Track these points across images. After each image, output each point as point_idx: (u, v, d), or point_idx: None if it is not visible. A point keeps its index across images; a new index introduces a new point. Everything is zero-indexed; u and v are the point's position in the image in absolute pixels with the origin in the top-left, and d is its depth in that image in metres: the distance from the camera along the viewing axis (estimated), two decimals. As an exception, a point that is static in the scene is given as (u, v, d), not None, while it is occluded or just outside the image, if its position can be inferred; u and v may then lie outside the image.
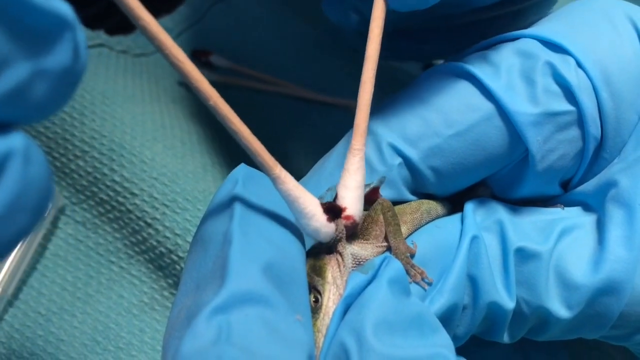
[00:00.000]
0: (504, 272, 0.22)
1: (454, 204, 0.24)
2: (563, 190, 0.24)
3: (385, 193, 0.23)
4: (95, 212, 0.33)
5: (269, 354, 0.16)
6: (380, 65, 0.21)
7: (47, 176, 0.14)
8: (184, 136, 0.35)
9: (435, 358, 0.18)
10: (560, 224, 0.22)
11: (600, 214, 0.22)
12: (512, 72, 0.22)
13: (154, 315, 0.31)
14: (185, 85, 0.39)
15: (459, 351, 0.20)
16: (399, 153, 0.23)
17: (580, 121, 0.22)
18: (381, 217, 0.21)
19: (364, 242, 0.21)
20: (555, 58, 0.22)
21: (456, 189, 0.24)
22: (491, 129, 0.22)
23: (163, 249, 0.32)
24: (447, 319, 0.21)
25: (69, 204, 0.33)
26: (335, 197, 0.21)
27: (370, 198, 0.22)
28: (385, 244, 0.21)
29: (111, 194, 0.33)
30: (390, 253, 0.21)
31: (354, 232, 0.21)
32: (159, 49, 0.17)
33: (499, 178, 0.24)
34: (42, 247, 0.33)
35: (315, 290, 0.20)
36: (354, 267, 0.21)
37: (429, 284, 0.21)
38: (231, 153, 0.36)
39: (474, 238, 0.22)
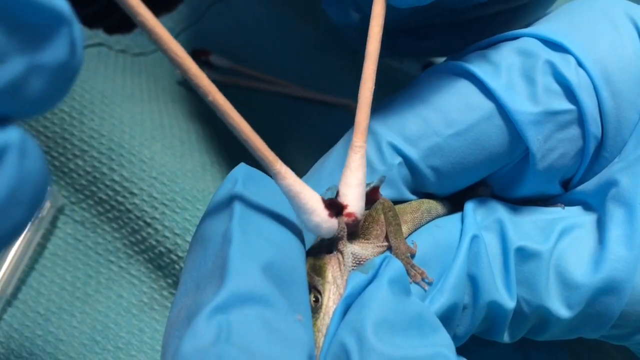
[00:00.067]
0: (504, 272, 0.22)
1: (454, 203, 0.24)
2: (563, 189, 0.24)
3: (385, 192, 0.23)
4: (94, 211, 0.33)
5: (269, 353, 0.16)
6: (380, 65, 0.21)
7: (43, 170, 0.14)
8: (183, 135, 0.35)
9: (435, 358, 0.18)
10: (561, 224, 0.22)
11: (601, 214, 0.22)
12: (512, 71, 0.22)
13: (154, 314, 0.31)
14: (185, 84, 0.39)
15: (459, 351, 0.20)
16: (399, 152, 0.23)
17: (581, 120, 0.22)
18: (382, 216, 0.21)
19: (365, 241, 0.21)
20: (556, 57, 0.22)
21: (456, 189, 0.24)
22: (491, 128, 0.22)
23: (162, 249, 0.32)
24: (447, 318, 0.21)
25: (68, 204, 0.33)
26: (336, 196, 0.20)
27: (371, 197, 0.22)
28: (386, 243, 0.21)
29: (110, 193, 0.33)
30: (391, 253, 0.21)
31: (354, 232, 0.21)
32: (158, 44, 0.17)
33: (499, 177, 0.24)
34: (41, 247, 0.33)
35: (315, 289, 0.20)
36: (354, 266, 0.21)
37: (429, 284, 0.21)
38: (230, 152, 0.36)
39: (474, 237, 0.22)
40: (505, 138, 0.22)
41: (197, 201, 0.32)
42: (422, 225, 0.23)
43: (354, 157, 0.21)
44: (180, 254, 0.31)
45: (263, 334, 0.16)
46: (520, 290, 0.22)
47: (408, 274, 0.21)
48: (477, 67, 0.22)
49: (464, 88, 0.22)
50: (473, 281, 0.21)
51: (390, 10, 0.21)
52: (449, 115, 0.22)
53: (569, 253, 0.22)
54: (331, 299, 0.20)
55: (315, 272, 0.20)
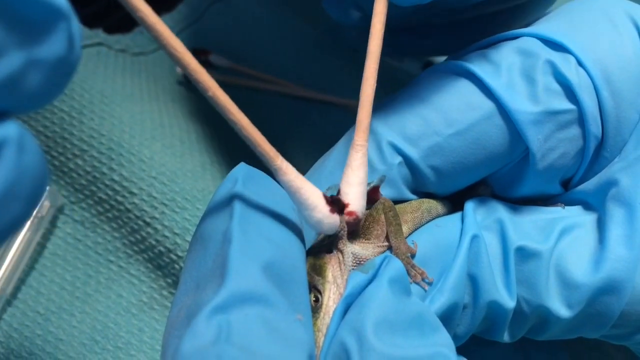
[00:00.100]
0: (504, 271, 0.22)
1: (454, 203, 0.24)
2: (563, 189, 0.24)
3: (385, 192, 0.23)
4: (94, 211, 0.33)
5: (269, 353, 0.15)
6: (380, 64, 0.21)
7: (41, 165, 0.14)
8: (183, 135, 0.35)
9: (435, 357, 0.18)
10: (561, 223, 0.22)
11: (601, 213, 0.22)
12: (512, 70, 0.22)
13: (153, 314, 0.31)
14: (184, 84, 0.39)
15: (459, 350, 0.20)
16: (399, 152, 0.22)
17: (581, 120, 0.22)
18: (383, 216, 0.21)
19: (365, 241, 0.21)
20: (556, 56, 0.22)
21: (456, 188, 0.24)
22: (491, 127, 0.22)
23: (162, 248, 0.32)
24: (447, 318, 0.21)
25: (68, 203, 0.33)
26: (337, 195, 0.20)
27: (371, 197, 0.22)
28: (386, 243, 0.21)
29: (110, 193, 0.33)
30: (391, 253, 0.21)
31: (355, 231, 0.21)
32: (158, 40, 0.16)
33: (499, 177, 0.24)
34: (41, 247, 0.33)
35: (315, 289, 0.20)
36: (354, 266, 0.21)
37: (429, 284, 0.21)
38: (230, 152, 0.36)
39: (474, 237, 0.21)
40: (506, 138, 0.22)
41: (197, 201, 0.32)
42: (423, 225, 0.23)
43: (355, 156, 0.21)
44: (180, 253, 0.31)
45: (263, 333, 0.16)
46: (520, 290, 0.22)
47: (408, 274, 0.21)
48: (478, 67, 0.22)
49: (464, 88, 0.22)
50: (473, 281, 0.21)
51: (391, 9, 0.21)
52: (449, 115, 0.22)
53: (569, 253, 0.22)
54: (331, 299, 0.20)
55: (316, 272, 0.20)
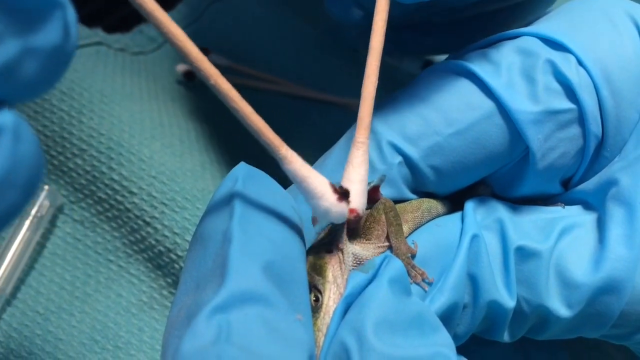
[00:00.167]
0: (504, 271, 0.22)
1: (454, 202, 0.24)
2: (563, 188, 0.24)
3: (385, 192, 0.23)
4: (94, 210, 0.33)
5: (269, 353, 0.15)
6: (380, 64, 0.21)
7: (37, 154, 0.14)
8: (183, 134, 0.35)
9: (436, 357, 0.18)
10: (561, 223, 0.22)
11: (601, 213, 0.22)
12: (512, 70, 0.22)
13: (153, 314, 0.31)
14: (184, 83, 0.39)
15: (459, 350, 0.20)
16: (399, 152, 0.22)
17: (581, 119, 0.22)
18: (383, 216, 0.21)
19: (366, 242, 0.21)
20: (556, 56, 0.22)
21: (456, 188, 0.24)
22: (491, 127, 0.22)
23: (162, 248, 0.32)
24: (447, 317, 0.21)
25: (67, 203, 0.33)
26: None
27: (371, 197, 0.21)
28: (387, 244, 0.21)
29: (109, 192, 0.33)
30: (392, 253, 0.21)
31: (355, 231, 0.21)
32: (158, 28, 0.16)
33: (499, 176, 0.24)
34: (41, 246, 0.33)
35: (315, 289, 0.20)
36: (355, 266, 0.21)
37: (430, 285, 0.21)
38: (230, 151, 0.36)
39: (474, 237, 0.21)
40: (506, 137, 0.22)
41: (196, 200, 0.32)
42: (423, 225, 0.23)
43: (356, 153, 0.20)
44: (179, 253, 0.31)
45: (263, 333, 0.16)
46: (520, 289, 0.22)
47: (408, 274, 0.21)
48: (478, 66, 0.22)
49: (465, 87, 0.22)
50: (473, 280, 0.21)
51: (393, 6, 0.21)
52: (449, 115, 0.22)
53: (569, 252, 0.22)
54: (331, 299, 0.20)
55: (316, 272, 0.20)
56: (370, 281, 0.20)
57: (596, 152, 0.23)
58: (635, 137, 0.22)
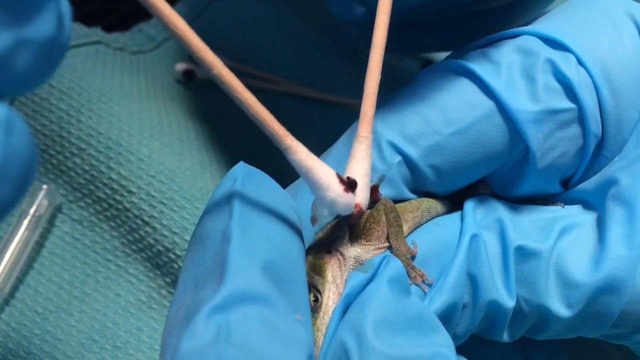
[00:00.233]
0: (503, 271, 0.22)
1: (453, 202, 0.24)
2: (563, 188, 0.24)
3: (384, 191, 0.22)
4: (92, 210, 0.33)
5: (268, 353, 0.15)
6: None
7: (30, 147, 0.14)
8: (182, 133, 0.35)
9: (435, 357, 0.18)
10: (561, 223, 0.22)
11: (601, 212, 0.22)
12: (512, 69, 0.22)
13: (152, 313, 0.31)
14: (183, 82, 0.39)
15: (458, 350, 0.20)
16: (399, 151, 0.22)
17: (581, 119, 0.22)
18: (384, 217, 0.21)
19: (366, 243, 0.21)
20: (556, 55, 0.22)
21: (456, 187, 0.24)
22: (491, 126, 0.22)
23: (160, 247, 0.32)
24: (447, 317, 0.21)
25: (66, 202, 0.33)
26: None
27: (371, 197, 0.21)
28: (387, 244, 0.21)
29: (108, 192, 0.32)
30: (391, 253, 0.21)
31: (355, 232, 0.21)
32: (159, 18, 0.16)
33: (499, 176, 0.24)
34: (39, 246, 0.33)
35: (315, 289, 0.20)
36: (354, 266, 0.21)
37: (429, 286, 0.21)
38: (230, 150, 0.36)
39: (474, 236, 0.21)
40: (506, 137, 0.22)
41: (195, 200, 0.32)
42: (422, 224, 0.23)
43: (359, 148, 0.20)
44: (178, 252, 0.31)
45: (262, 333, 0.16)
46: (519, 289, 0.22)
47: (408, 275, 0.20)
48: (477, 66, 0.22)
49: (464, 86, 0.22)
50: (472, 280, 0.21)
51: (395, 3, 0.21)
52: (449, 114, 0.22)
53: (568, 252, 0.22)
54: (331, 299, 0.20)
55: (315, 272, 0.20)
56: (369, 281, 0.20)
57: (596, 152, 0.23)
58: (635, 137, 0.22)
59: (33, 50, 0.14)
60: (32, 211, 0.32)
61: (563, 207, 0.23)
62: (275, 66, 0.40)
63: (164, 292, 0.32)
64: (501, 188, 0.24)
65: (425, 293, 0.21)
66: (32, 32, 0.14)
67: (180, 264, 0.31)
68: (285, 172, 0.22)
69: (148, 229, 0.32)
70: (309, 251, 0.21)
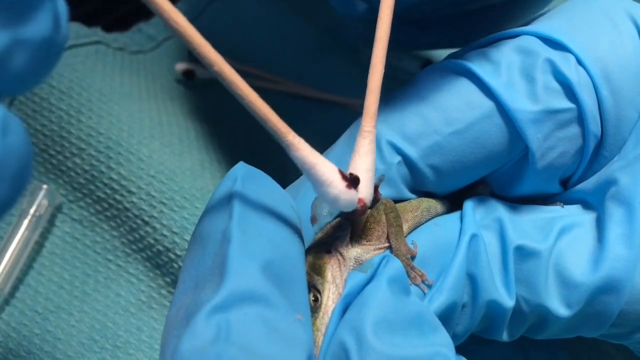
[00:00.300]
0: (503, 271, 0.22)
1: (453, 202, 0.24)
2: (563, 188, 0.24)
3: (384, 191, 0.22)
4: (92, 210, 0.33)
5: (268, 353, 0.15)
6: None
7: (26, 147, 0.14)
8: (182, 133, 0.35)
9: (435, 357, 0.18)
10: (560, 222, 0.22)
11: (600, 212, 0.22)
12: (512, 69, 0.22)
13: (152, 313, 0.31)
14: (183, 82, 0.39)
15: (458, 350, 0.20)
16: (398, 151, 0.22)
17: (581, 119, 0.22)
18: (384, 217, 0.21)
19: (366, 243, 0.21)
20: (555, 55, 0.22)
21: (456, 187, 0.24)
22: (491, 126, 0.22)
23: (160, 247, 0.32)
24: (446, 317, 0.21)
25: (66, 202, 0.33)
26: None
27: (370, 196, 0.21)
28: (387, 244, 0.21)
29: (108, 191, 0.32)
30: (391, 253, 0.21)
31: (355, 232, 0.21)
32: (158, 14, 0.16)
33: (498, 176, 0.24)
34: (39, 245, 0.33)
35: (314, 289, 0.20)
36: (354, 267, 0.21)
37: (429, 287, 0.21)
38: (230, 150, 0.36)
39: (473, 236, 0.21)
40: (505, 137, 0.22)
41: (195, 199, 0.32)
42: (422, 224, 0.23)
43: (362, 142, 0.20)
44: (178, 252, 0.31)
45: (262, 333, 0.16)
46: (519, 289, 0.22)
47: (408, 275, 0.20)
48: (477, 66, 0.22)
49: (464, 87, 0.22)
50: (472, 280, 0.21)
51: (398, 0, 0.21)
52: (449, 114, 0.22)
53: (568, 252, 0.22)
54: (330, 298, 0.20)
55: (315, 272, 0.20)
56: (368, 281, 0.20)
57: (595, 152, 0.23)
58: (634, 137, 0.22)
59: (29, 51, 0.14)
60: (32, 211, 0.32)
61: (562, 207, 0.23)
62: (276, 66, 0.40)
63: (164, 291, 0.32)
64: (501, 188, 0.24)
65: (424, 293, 0.21)
66: (28, 32, 0.13)
67: (180, 263, 0.31)
68: (285, 172, 0.22)
69: (148, 228, 0.32)
70: (308, 251, 0.21)
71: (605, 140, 0.23)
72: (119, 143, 0.33)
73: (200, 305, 0.16)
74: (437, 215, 0.24)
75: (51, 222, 0.33)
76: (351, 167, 0.20)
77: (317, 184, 0.19)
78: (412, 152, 0.22)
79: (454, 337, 0.22)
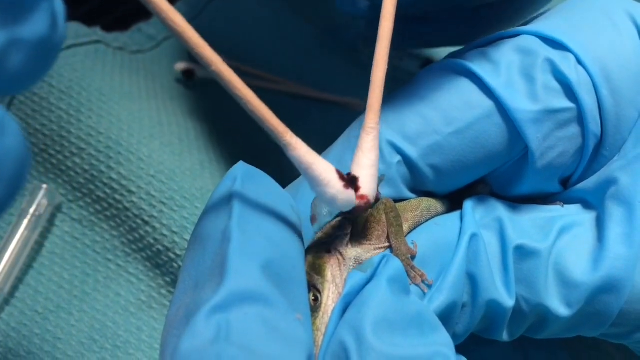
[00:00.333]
0: (503, 270, 0.22)
1: (453, 201, 0.24)
2: (563, 187, 0.24)
3: (384, 191, 0.23)
4: (92, 209, 0.33)
5: (268, 352, 0.15)
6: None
7: (22, 148, 0.14)
8: (182, 133, 0.35)
9: (435, 357, 0.18)
10: (560, 222, 0.22)
11: (600, 212, 0.22)
12: (511, 69, 0.22)
13: (152, 313, 0.31)
14: (183, 82, 0.39)
15: (458, 350, 0.20)
16: (398, 151, 0.22)
17: (580, 118, 0.22)
18: (384, 217, 0.21)
19: (366, 243, 0.21)
20: (555, 55, 0.22)
21: (455, 187, 0.24)
22: (491, 126, 0.22)
23: (160, 247, 0.32)
24: (446, 317, 0.21)
25: (66, 202, 0.33)
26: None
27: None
28: (387, 244, 0.21)
29: (108, 191, 0.32)
30: (391, 253, 0.21)
31: (355, 232, 0.21)
32: (156, 13, 0.16)
33: (498, 175, 0.24)
34: (39, 245, 0.33)
35: (314, 288, 0.20)
36: (354, 266, 0.21)
37: (429, 286, 0.21)
38: (229, 150, 0.36)
39: (473, 236, 0.21)
40: (505, 136, 0.22)
41: (195, 199, 0.32)
42: (422, 224, 0.23)
43: (366, 139, 0.20)
44: (178, 252, 0.31)
45: (262, 332, 0.16)
46: (519, 288, 0.22)
47: (408, 275, 0.21)
48: (477, 66, 0.22)
49: (464, 86, 0.22)
50: (472, 280, 0.21)
51: None
52: (449, 114, 0.22)
53: (568, 251, 0.22)
54: (330, 298, 0.20)
55: (315, 271, 0.20)
56: (368, 280, 0.20)
57: (595, 151, 0.23)
58: (634, 136, 0.22)
59: (26, 50, 0.14)
60: (32, 211, 0.32)
61: (562, 206, 0.23)
62: (275, 66, 0.40)
63: (163, 291, 0.32)
64: (500, 187, 0.24)
65: (424, 293, 0.21)
66: (25, 31, 0.13)
67: (180, 263, 0.31)
68: (284, 172, 0.22)
69: (148, 228, 0.32)
70: (308, 251, 0.21)
71: (605, 139, 0.23)
72: (118, 143, 0.33)
73: (200, 305, 0.16)
74: (437, 214, 0.24)
75: (51, 221, 0.33)
76: (354, 163, 0.20)
77: (314, 183, 0.19)
78: (412, 151, 0.22)
79: (454, 336, 0.22)
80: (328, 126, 0.38)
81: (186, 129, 0.36)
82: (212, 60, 0.17)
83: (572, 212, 0.23)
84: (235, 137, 0.36)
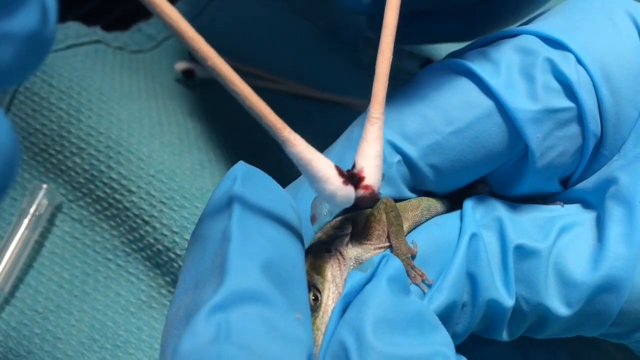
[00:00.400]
0: (503, 270, 0.22)
1: (453, 201, 0.24)
2: (562, 187, 0.24)
3: (384, 191, 0.23)
4: (92, 209, 0.33)
5: (268, 352, 0.15)
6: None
7: (12, 143, 0.14)
8: (182, 133, 0.35)
9: (435, 356, 0.18)
10: (560, 222, 0.22)
11: (600, 211, 0.22)
12: (511, 68, 0.22)
13: (152, 313, 0.31)
14: (183, 81, 0.39)
15: (458, 349, 0.20)
16: (398, 150, 0.22)
17: (580, 118, 0.22)
18: (384, 216, 0.21)
19: (366, 242, 0.21)
20: (555, 54, 0.22)
21: (455, 187, 0.24)
22: (491, 126, 0.22)
23: (160, 247, 0.32)
24: (446, 316, 0.21)
25: (66, 202, 0.33)
26: (352, 168, 0.20)
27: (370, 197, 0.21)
28: (387, 244, 0.21)
29: (108, 191, 0.32)
30: (392, 253, 0.21)
31: (356, 232, 0.21)
32: (149, 6, 0.16)
33: (498, 175, 0.24)
34: (39, 245, 0.33)
35: (314, 288, 0.20)
36: (354, 266, 0.21)
37: (429, 286, 0.21)
38: (229, 149, 0.36)
39: (473, 235, 0.21)
40: (505, 136, 0.22)
41: (195, 199, 0.32)
42: (422, 223, 0.23)
43: (371, 129, 0.20)
44: (178, 252, 0.31)
45: (262, 332, 0.16)
46: (519, 288, 0.22)
47: (408, 275, 0.21)
48: (477, 65, 0.22)
49: (464, 86, 0.22)
50: (472, 279, 0.21)
51: None
52: (449, 113, 0.22)
53: (568, 251, 0.22)
54: (330, 298, 0.20)
55: (315, 271, 0.20)
56: (368, 280, 0.20)
57: (595, 151, 0.23)
58: (634, 136, 0.22)
59: (16, 44, 0.13)
60: (32, 210, 0.32)
61: (562, 206, 0.23)
62: (276, 66, 0.40)
63: (164, 291, 0.32)
64: (500, 187, 0.24)
65: (424, 292, 0.21)
66: (15, 25, 0.13)
67: (180, 263, 0.31)
68: (284, 171, 0.22)
69: (148, 228, 0.32)
70: (308, 251, 0.21)
71: (605, 139, 0.23)
72: (118, 142, 0.33)
73: (200, 304, 0.16)
74: (437, 214, 0.24)
75: (51, 221, 0.33)
76: (359, 154, 0.20)
77: (313, 180, 0.18)
78: (412, 151, 0.22)
79: (453, 336, 0.22)
80: (328, 126, 0.38)
81: (186, 128, 0.36)
82: (208, 55, 0.16)
83: (572, 212, 0.23)
84: (235, 137, 0.36)
